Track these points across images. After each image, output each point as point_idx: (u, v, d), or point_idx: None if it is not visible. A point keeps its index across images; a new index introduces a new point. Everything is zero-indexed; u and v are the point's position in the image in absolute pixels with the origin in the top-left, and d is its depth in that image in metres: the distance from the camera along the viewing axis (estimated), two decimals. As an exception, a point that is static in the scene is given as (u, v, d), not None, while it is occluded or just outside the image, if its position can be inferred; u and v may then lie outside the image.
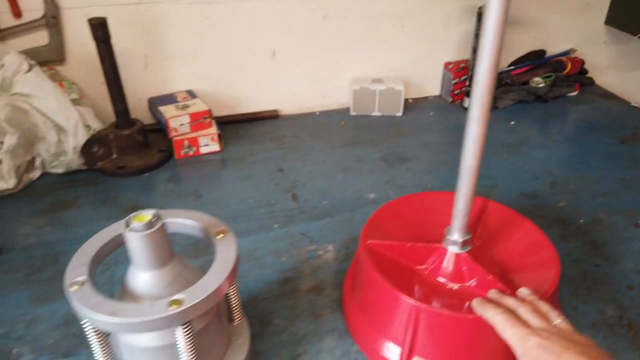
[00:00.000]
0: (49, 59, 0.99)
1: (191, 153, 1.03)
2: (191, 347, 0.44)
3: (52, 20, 0.97)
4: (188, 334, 0.44)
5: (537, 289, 0.58)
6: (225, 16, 1.05)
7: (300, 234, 0.82)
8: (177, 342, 0.44)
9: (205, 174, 0.99)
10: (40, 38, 0.98)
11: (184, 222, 0.52)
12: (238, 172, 0.99)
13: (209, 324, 0.50)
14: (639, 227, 0.83)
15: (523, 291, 0.55)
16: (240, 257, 0.77)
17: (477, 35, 1.11)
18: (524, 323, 0.49)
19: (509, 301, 0.53)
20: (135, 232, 0.44)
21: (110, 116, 0.99)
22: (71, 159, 0.93)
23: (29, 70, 0.89)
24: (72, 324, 0.66)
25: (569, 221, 0.84)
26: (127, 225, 0.45)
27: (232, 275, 0.48)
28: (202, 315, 0.49)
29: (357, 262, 0.66)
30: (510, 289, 0.57)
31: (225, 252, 0.49)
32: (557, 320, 0.49)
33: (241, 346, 0.54)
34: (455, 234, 0.61)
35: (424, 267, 0.64)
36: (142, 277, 0.46)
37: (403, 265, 0.64)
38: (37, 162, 0.93)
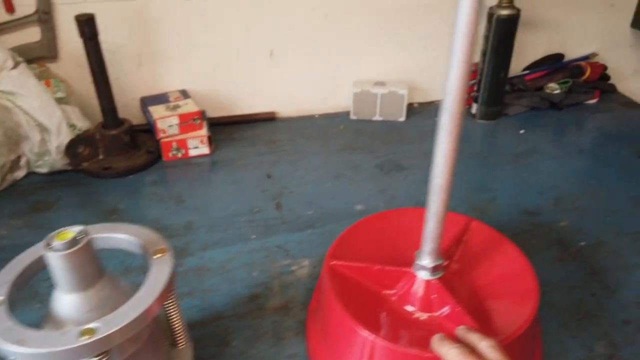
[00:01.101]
0: (41, 55, 0.98)
1: (180, 155, 1.00)
2: (108, 378, 0.41)
3: (44, 16, 0.95)
4: (103, 365, 0.41)
5: (511, 323, 0.53)
6: (222, 13, 1.02)
7: (277, 246, 0.78)
8: (94, 373, 0.41)
9: (191, 178, 0.96)
10: (33, 34, 0.97)
11: (120, 237, 0.49)
12: (226, 176, 0.96)
13: (140, 351, 0.46)
14: (647, 253, 0.75)
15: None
16: (211, 270, 0.74)
17: (486, 37, 1.04)
18: (479, 357, 0.44)
19: (473, 337, 0.48)
20: (54, 251, 0.41)
21: (100, 115, 0.97)
22: (55, 158, 0.91)
23: (15, 67, 0.88)
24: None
25: (570, 243, 0.78)
26: (48, 244, 0.42)
27: (161, 300, 0.44)
28: (131, 341, 0.45)
29: (320, 283, 0.61)
30: (480, 323, 0.52)
31: (158, 275, 0.45)
32: None
33: (181, 373, 0.51)
34: (426, 259, 0.56)
35: (392, 292, 0.59)
36: (65, 300, 0.43)
37: (370, 289, 0.59)
38: (22, 162, 0.92)
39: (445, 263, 0.61)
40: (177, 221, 0.84)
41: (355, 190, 0.91)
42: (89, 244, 0.43)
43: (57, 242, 0.42)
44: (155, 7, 0.99)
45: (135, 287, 0.48)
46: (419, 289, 0.57)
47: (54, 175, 0.95)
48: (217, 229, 0.82)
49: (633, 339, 0.62)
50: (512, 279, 0.59)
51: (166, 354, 0.51)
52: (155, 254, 0.48)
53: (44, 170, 0.93)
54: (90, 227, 0.49)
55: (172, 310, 0.50)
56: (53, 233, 0.43)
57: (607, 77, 1.23)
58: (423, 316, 0.56)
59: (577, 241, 0.78)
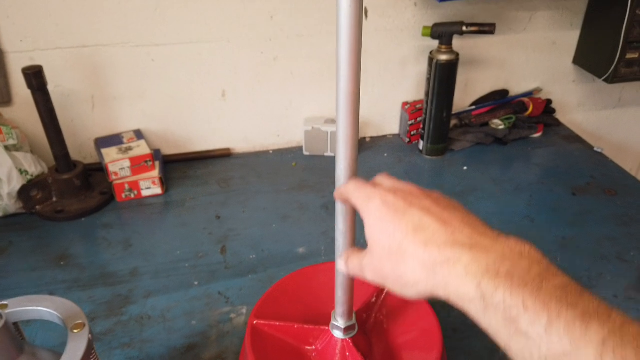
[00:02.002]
0: (-6, 101, 1.01)
1: (133, 196, 1.03)
2: None
3: (-5, 64, 0.98)
4: None
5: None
6: (172, 58, 1.05)
7: (219, 292, 0.82)
8: None
9: (142, 220, 0.99)
10: (-15, 81, 0.99)
11: (42, 310, 0.52)
12: (175, 218, 0.99)
13: (58, 421, 0.49)
14: (566, 296, 0.80)
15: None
16: (152, 319, 0.77)
17: (429, 80, 1.08)
18: (374, 184, 0.44)
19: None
20: (-32, 336, 0.44)
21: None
22: (7, 203, 0.94)
23: (-36, 118, 0.90)
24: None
25: (495, 287, 0.82)
26: (-36, 329, 0.45)
27: (74, 379, 0.47)
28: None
29: (245, 341, 0.65)
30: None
31: (73, 351, 0.48)
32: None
33: None
34: (339, 320, 0.60)
35: (312, 348, 0.63)
36: (-18, 379, 0.46)
37: (292, 346, 0.63)
38: (-25, 206, 0.95)
39: (364, 316, 0.66)
40: (124, 267, 0.87)
41: (299, 232, 0.95)
42: (5, 326, 0.46)
43: (-27, 327, 0.45)
44: (106, 53, 1.02)
45: (56, 354, 0.51)
46: (335, 346, 0.61)
47: (7, 218, 0.97)
48: (162, 275, 0.85)
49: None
50: (420, 333, 0.63)
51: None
52: (73, 328, 0.51)
53: (-4, 214, 0.96)
54: (12, 300, 0.53)
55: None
56: (-30, 317, 0.46)
57: (552, 110, 1.28)
58: (339, 372, 0.60)
59: (503, 285, 0.82)
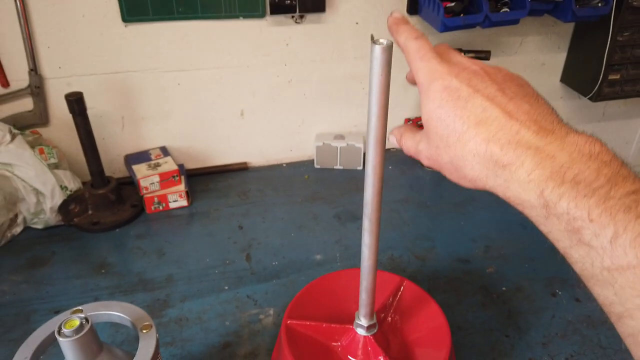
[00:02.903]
0: (34, 122, 1.10)
1: (161, 208, 1.13)
2: None
3: (36, 89, 1.07)
4: (106, 423, 0.53)
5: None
6: (196, 82, 1.15)
7: (247, 296, 0.91)
8: None
9: (172, 230, 1.08)
10: (26, 104, 1.09)
11: (114, 314, 0.62)
12: (202, 228, 1.08)
13: (133, 406, 0.59)
14: (555, 296, 0.90)
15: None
16: (189, 321, 0.87)
17: (430, 99, 1.19)
18: (438, 54, 0.40)
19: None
20: (65, 337, 0.54)
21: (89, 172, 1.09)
22: (49, 217, 1.03)
23: (12, 140, 0.99)
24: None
25: (493, 288, 0.92)
26: (59, 330, 0.54)
27: (149, 368, 0.57)
28: (126, 400, 0.58)
29: (279, 338, 0.75)
30: (403, 372, 0.66)
31: (146, 348, 0.58)
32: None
33: (165, 420, 0.63)
34: (362, 319, 0.69)
35: (338, 344, 0.73)
36: (74, 371, 0.56)
37: (320, 342, 0.73)
38: (19, 219, 1.04)
39: (382, 315, 0.76)
40: (159, 274, 0.96)
41: (315, 240, 1.05)
42: (91, 329, 0.56)
43: (65, 330, 0.54)
44: (136, 78, 1.11)
45: (128, 353, 0.61)
46: (358, 342, 0.71)
47: (48, 230, 1.06)
48: (194, 280, 0.95)
49: (534, 374, 0.77)
50: (432, 331, 0.73)
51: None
52: (143, 329, 0.61)
53: (39, 226, 1.05)
54: (89, 305, 0.62)
55: (157, 371, 0.63)
56: (63, 320, 0.55)
57: (542, 125, 1.39)
58: (362, 365, 0.70)
59: (500, 287, 0.93)
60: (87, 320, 0.56)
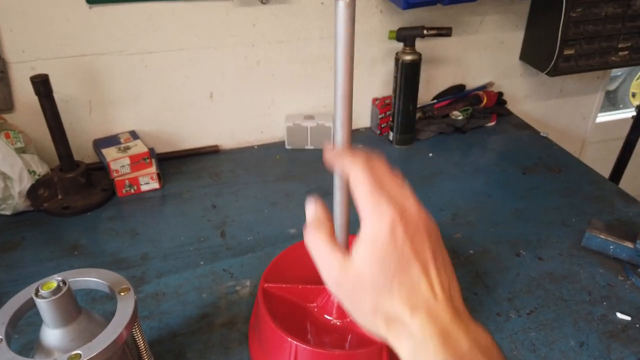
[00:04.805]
0: (-2, 108, 1.08)
1: (132, 191, 1.12)
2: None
3: (0, 74, 1.05)
4: (88, 381, 0.54)
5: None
6: (164, 64, 1.15)
7: (223, 270, 0.92)
8: (80, 389, 0.55)
9: (144, 212, 1.08)
10: (-11, 89, 1.07)
11: (92, 280, 0.62)
12: (175, 208, 1.09)
13: (114, 368, 0.60)
14: (519, 256, 0.95)
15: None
16: (166, 295, 0.87)
17: (395, 78, 1.22)
18: (381, 188, 0.40)
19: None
20: (42, 298, 0.54)
21: (57, 157, 1.08)
22: (17, 202, 1.02)
23: (-24, 124, 0.98)
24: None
25: (461, 252, 0.96)
26: (37, 292, 0.55)
27: (129, 328, 0.58)
28: (107, 361, 0.59)
29: (257, 302, 0.76)
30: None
31: (124, 309, 0.59)
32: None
33: (147, 383, 0.64)
34: (336, 278, 0.72)
35: (314, 305, 0.75)
36: (52, 333, 0.56)
37: (297, 304, 0.75)
38: (-13, 206, 1.02)
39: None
40: (134, 253, 0.96)
41: (289, 216, 1.06)
42: (69, 290, 0.56)
43: (43, 291, 0.55)
44: (103, 61, 1.11)
45: (106, 318, 0.62)
46: (333, 302, 0.73)
47: (17, 216, 1.05)
48: (170, 257, 0.95)
49: (502, 327, 0.81)
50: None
51: (134, 369, 0.65)
52: (121, 292, 0.61)
53: (7, 212, 1.03)
54: (66, 273, 0.63)
55: (136, 334, 0.64)
56: (40, 283, 0.56)
57: (504, 101, 1.44)
58: (339, 322, 0.72)
59: (467, 250, 0.97)
60: (64, 282, 0.56)
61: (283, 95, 1.28)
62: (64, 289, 0.56)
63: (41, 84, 0.98)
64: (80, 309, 0.59)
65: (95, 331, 0.57)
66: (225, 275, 0.91)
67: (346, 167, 0.42)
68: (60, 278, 0.57)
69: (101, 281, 0.63)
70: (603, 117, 1.82)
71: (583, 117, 1.61)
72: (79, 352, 0.54)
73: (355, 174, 0.41)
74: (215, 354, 0.77)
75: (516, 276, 0.90)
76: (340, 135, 0.58)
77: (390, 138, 1.31)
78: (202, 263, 0.94)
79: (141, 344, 0.65)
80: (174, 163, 1.24)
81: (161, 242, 0.99)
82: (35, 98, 1.00)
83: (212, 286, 0.89)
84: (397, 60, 1.20)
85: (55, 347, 0.57)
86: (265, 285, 0.75)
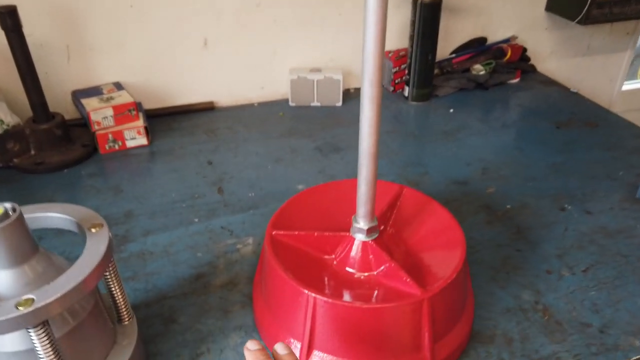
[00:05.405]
0: (-39, 51, 0.94)
1: (117, 147, 0.99)
2: (49, 350, 0.41)
3: (-39, 9, 0.91)
4: (43, 336, 0.40)
5: (444, 269, 0.57)
6: (151, 3, 1.01)
7: (221, 227, 0.79)
8: (34, 346, 0.41)
9: (130, 169, 0.95)
10: (-49, 29, 0.93)
11: (54, 215, 0.49)
12: (165, 165, 0.95)
13: (83, 324, 0.46)
14: (564, 210, 0.82)
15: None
16: (154, 254, 0.74)
17: (413, 22, 1.09)
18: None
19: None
20: (-15, 226, 0.41)
21: (30, 110, 0.94)
22: (-18, 155, 0.88)
23: None
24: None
25: (496, 207, 0.83)
26: (-22, 220, 0.41)
27: (99, 271, 0.44)
28: (72, 314, 0.45)
29: (263, 254, 0.63)
30: (416, 275, 0.55)
31: (94, 247, 0.46)
32: None
33: (126, 347, 0.51)
34: (361, 222, 0.59)
35: (332, 257, 0.61)
36: (1, 275, 0.43)
37: (311, 256, 0.62)
38: (-53, 160, 0.88)
39: (381, 227, 0.65)
40: (116, 210, 0.83)
41: (295, 172, 0.93)
42: (20, 218, 0.43)
43: (-12, 218, 0.41)
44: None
45: (72, 262, 0.48)
46: (357, 250, 0.60)
47: (-17, 173, 0.91)
48: (159, 215, 0.82)
49: (554, 286, 0.68)
50: (440, 234, 0.63)
51: (111, 329, 0.51)
52: (91, 227, 0.48)
53: (-30, 168, 0.89)
54: (23, 207, 0.49)
55: (112, 283, 0.50)
56: (-17, 209, 0.42)
57: (528, 58, 1.32)
58: (363, 276, 0.59)
59: (503, 205, 0.84)
60: (14, 209, 0.43)
61: (286, 45, 1.14)
62: (14, 217, 0.42)
63: (8, 16, 0.84)
64: (38, 248, 0.46)
65: (56, 276, 0.44)
66: (224, 232, 0.78)
67: None
68: (10, 205, 0.43)
69: (67, 217, 0.50)
70: (629, 85, 1.69)
71: (610, 79, 1.49)
72: (31, 296, 0.40)
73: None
74: (212, 317, 0.63)
75: (564, 231, 0.77)
76: (368, 95, 0.48)
77: (406, 94, 1.18)
78: (196, 220, 0.81)
79: (119, 297, 0.51)
80: (164, 120, 1.10)
81: (149, 199, 0.86)
82: (5, 43, 0.86)
83: (208, 244, 0.76)
84: (415, 1, 1.07)
85: (4, 292, 0.43)
86: (274, 232, 0.61)
